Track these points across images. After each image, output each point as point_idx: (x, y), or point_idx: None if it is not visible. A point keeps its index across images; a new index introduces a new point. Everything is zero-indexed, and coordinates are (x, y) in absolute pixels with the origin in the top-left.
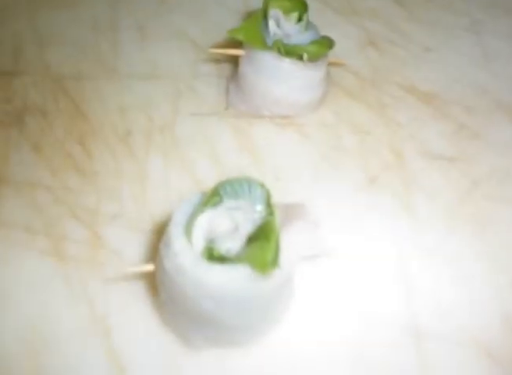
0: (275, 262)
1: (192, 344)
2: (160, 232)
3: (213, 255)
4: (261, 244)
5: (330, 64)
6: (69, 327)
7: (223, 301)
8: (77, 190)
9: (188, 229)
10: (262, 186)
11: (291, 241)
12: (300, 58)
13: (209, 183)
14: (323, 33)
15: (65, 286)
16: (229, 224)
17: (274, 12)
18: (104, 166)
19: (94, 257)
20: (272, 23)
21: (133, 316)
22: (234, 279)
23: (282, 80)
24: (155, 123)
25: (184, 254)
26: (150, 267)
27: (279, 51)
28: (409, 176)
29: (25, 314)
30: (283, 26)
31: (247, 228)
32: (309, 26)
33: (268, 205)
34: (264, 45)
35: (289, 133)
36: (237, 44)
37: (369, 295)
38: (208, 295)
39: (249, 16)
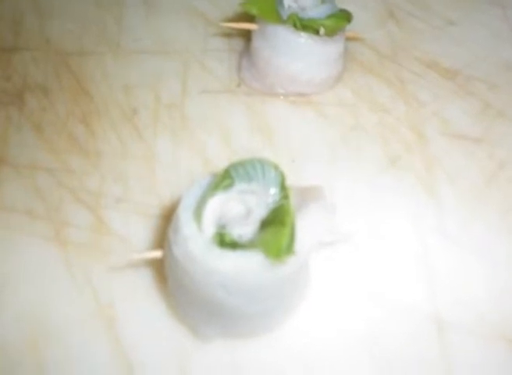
0: (290, 248)
1: (202, 335)
2: (168, 216)
3: (224, 241)
4: (276, 229)
5: (348, 39)
6: (72, 316)
7: (235, 290)
8: (80, 172)
9: (198, 213)
10: (276, 168)
11: (307, 225)
12: (317, 32)
13: (220, 164)
14: (340, 6)
15: (68, 273)
16: (242, 208)
17: None
18: (109, 146)
19: (99, 243)
20: None
21: (140, 305)
22: (247, 266)
23: (297, 56)
24: (163, 101)
25: (194, 240)
26: (157, 254)
27: (295, 26)
28: (431, 157)
29: (26, 302)
30: None
31: (260, 213)
32: None
33: (283, 187)
34: (279, 19)
35: (305, 112)
36: (250, 18)
37: (389, 283)
38: (220, 283)
39: None
